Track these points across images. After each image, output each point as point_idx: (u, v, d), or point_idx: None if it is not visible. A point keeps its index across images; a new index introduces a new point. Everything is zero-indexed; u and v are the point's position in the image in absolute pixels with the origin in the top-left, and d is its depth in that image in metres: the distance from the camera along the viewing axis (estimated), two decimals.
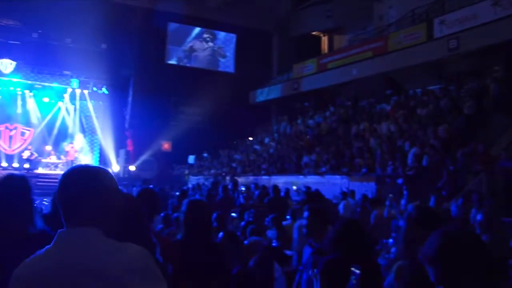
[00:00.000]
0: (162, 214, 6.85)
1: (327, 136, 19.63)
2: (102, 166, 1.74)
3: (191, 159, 25.41)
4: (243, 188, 13.17)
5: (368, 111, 19.93)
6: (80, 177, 1.67)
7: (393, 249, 5.12)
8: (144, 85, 24.42)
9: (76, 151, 24.43)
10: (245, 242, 5.09)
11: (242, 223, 6.86)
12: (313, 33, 28.48)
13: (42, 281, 1.52)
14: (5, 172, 17.40)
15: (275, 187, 10.61)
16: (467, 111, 13.89)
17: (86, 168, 1.73)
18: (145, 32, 24.30)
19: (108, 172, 1.72)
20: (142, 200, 3.48)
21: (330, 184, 14.71)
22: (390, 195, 9.98)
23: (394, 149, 14.20)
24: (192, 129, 24.13)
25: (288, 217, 7.95)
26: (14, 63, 22.88)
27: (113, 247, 1.58)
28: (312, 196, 10.09)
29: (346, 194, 11.24)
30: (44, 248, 1.61)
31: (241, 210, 9.28)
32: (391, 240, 6.78)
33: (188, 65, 27.27)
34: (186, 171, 23.89)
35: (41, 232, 2.59)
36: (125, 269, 1.52)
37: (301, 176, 16.62)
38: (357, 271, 2.54)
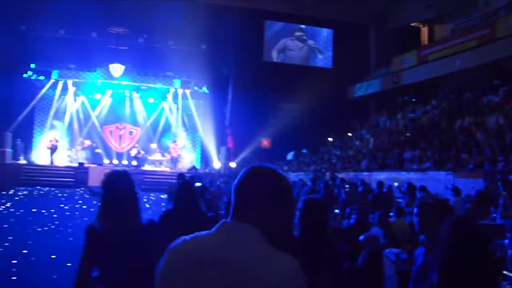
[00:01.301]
0: None
1: (430, 130, 18.90)
2: (283, 173, 1.71)
3: (289, 155, 25.54)
4: (347, 186, 13.01)
5: (474, 103, 18.91)
6: (265, 177, 1.67)
7: (510, 251, 4.85)
8: (243, 83, 24.89)
9: (179, 149, 25.51)
10: (361, 237, 5.06)
11: (353, 220, 6.79)
12: (412, 24, 27.48)
13: (194, 262, 1.56)
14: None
15: (380, 183, 10.40)
16: None
17: (272, 171, 1.70)
18: (243, 31, 24.77)
19: (288, 180, 1.71)
20: None
21: (434, 180, 14.16)
22: (504, 193, 9.39)
23: (505, 144, 13.37)
24: (291, 125, 24.29)
25: (392, 214, 7.77)
26: (123, 67, 24.41)
27: (270, 254, 1.57)
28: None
29: (458, 190, 10.71)
30: (206, 232, 1.65)
31: (344, 206, 9.21)
32: (507, 241, 6.43)
33: (286, 62, 27.36)
34: (286, 167, 24.03)
35: (149, 223, 2.88)
36: (274, 280, 1.50)
37: (403, 172, 16.15)
38: None
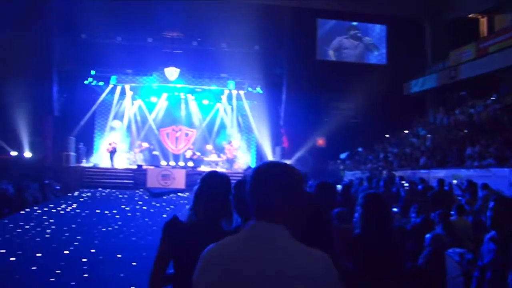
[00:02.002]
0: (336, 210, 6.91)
1: (490, 126, 18.26)
2: (290, 164, 1.77)
3: (343, 155, 25.24)
4: (407, 184, 12.78)
5: None
6: (273, 173, 1.69)
7: None
8: (297, 83, 24.82)
9: (234, 149, 25.79)
10: (428, 236, 4.99)
11: (419, 219, 6.67)
12: (470, 15, 26.56)
13: (223, 266, 1.60)
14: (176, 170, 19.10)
15: (441, 181, 10.18)
16: None
17: (279, 165, 1.74)
18: (295, 30, 24.73)
19: (297, 171, 1.74)
20: (321, 193, 3.62)
21: (496, 177, 13.65)
22: None
23: None
24: (346, 124, 24.05)
25: (453, 212, 7.58)
26: (178, 70, 24.96)
27: (296, 248, 1.58)
28: None
29: None
30: (234, 235, 1.69)
31: (404, 204, 9.07)
32: None
33: (339, 60, 27.06)
34: (341, 166, 23.82)
35: (235, 230, 2.76)
36: (301, 274, 1.51)
37: (463, 169, 15.67)
38: None
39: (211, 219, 2.77)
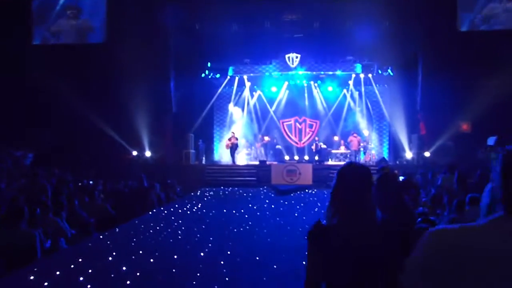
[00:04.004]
0: None
1: None
2: None
3: (490, 140, 21.76)
4: None
5: None
6: None
7: None
8: (435, 60, 21.62)
9: (365, 140, 23.74)
10: None
11: None
12: None
13: (465, 254, 1.47)
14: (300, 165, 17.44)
15: None
16: None
17: None
18: (430, 2, 21.71)
19: None
20: None
21: None
22: None
23: None
24: (497, 104, 20.52)
25: None
26: (299, 56, 23.35)
27: None
28: None
29: None
30: (473, 223, 1.56)
31: None
32: None
33: (487, 29, 22.98)
34: (493, 154, 20.39)
35: (386, 221, 2.60)
36: None
37: None
38: None
39: (355, 218, 2.52)
